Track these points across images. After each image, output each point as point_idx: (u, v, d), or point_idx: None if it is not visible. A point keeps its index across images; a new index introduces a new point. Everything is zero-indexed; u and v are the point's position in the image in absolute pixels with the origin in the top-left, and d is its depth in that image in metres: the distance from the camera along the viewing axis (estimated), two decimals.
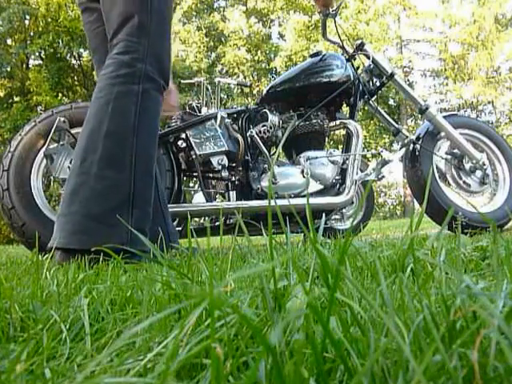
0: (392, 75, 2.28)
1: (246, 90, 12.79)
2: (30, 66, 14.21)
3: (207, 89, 3.22)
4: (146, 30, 1.28)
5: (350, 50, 2.35)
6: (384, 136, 13.73)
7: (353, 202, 2.71)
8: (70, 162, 1.85)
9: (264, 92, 2.30)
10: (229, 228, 2.18)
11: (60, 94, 14.11)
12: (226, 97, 12.42)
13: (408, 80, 15.44)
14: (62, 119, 1.83)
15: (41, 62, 14.16)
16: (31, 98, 12.77)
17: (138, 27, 1.27)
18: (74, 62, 14.70)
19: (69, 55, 14.24)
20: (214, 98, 3.30)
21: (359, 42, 2.33)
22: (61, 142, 1.85)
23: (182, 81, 4.21)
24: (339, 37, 2.32)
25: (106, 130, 1.22)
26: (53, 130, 1.82)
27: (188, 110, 2.23)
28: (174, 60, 12.87)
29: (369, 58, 2.31)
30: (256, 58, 14.08)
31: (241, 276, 0.57)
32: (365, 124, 13.26)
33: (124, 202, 1.22)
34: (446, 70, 16.12)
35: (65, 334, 0.39)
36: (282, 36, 15.12)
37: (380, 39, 13.79)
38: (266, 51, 14.35)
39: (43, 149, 1.89)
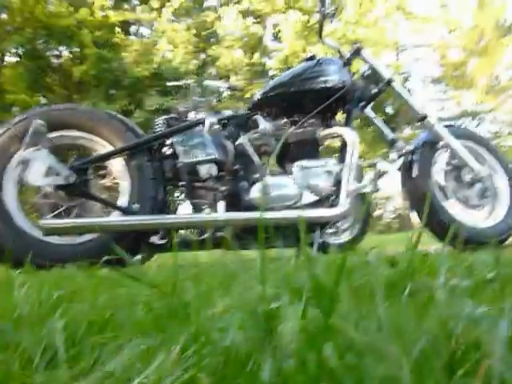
0: (390, 81, 2.31)
1: (238, 92, 12.85)
2: (6, 63, 14.08)
3: (195, 92, 3.22)
4: None
5: (347, 55, 2.37)
6: (382, 144, 13.86)
7: (349, 215, 2.72)
8: (48, 168, 1.83)
9: (256, 97, 2.31)
10: (217, 241, 2.17)
11: (37, 94, 13.98)
12: (215, 100, 12.45)
13: (406, 87, 15.68)
14: (41, 122, 1.81)
15: (18, 59, 14.04)
16: (5, 96, 12.62)
17: None
18: (54, 60, 14.61)
19: (48, 53, 14.15)
20: (203, 102, 3.30)
21: (356, 46, 2.36)
22: (37, 147, 1.83)
23: (169, 83, 4.21)
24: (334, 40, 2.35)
25: None
26: (30, 134, 1.80)
27: (174, 115, 2.23)
28: (159, 61, 12.89)
29: (366, 63, 2.34)
30: (253, 60, 14.16)
31: (231, 296, 0.57)
32: (362, 131, 13.38)
33: None
34: (445, 76, 16.41)
35: (37, 361, 0.39)
36: (276, 37, 15.25)
37: (378, 43, 14.00)
38: (260, 53, 14.45)
39: (18, 153, 1.87)
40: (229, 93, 12.68)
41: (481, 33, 15.28)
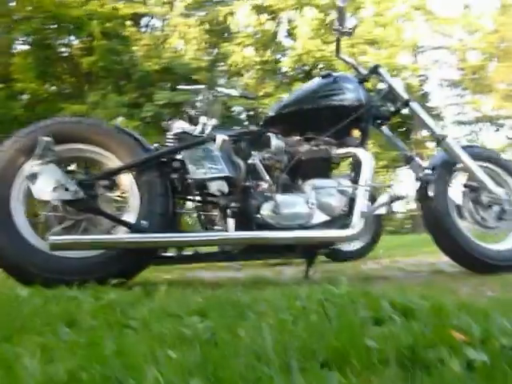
0: (408, 102, 2.29)
1: (250, 89, 12.84)
2: (15, 51, 14.19)
3: (207, 96, 3.21)
4: None
5: (364, 72, 2.36)
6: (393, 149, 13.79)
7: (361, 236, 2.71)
8: (55, 183, 1.83)
9: (269, 114, 2.30)
10: (226, 256, 2.18)
11: (47, 83, 14.07)
12: (226, 98, 12.45)
13: (423, 89, 15.54)
14: (48, 139, 1.82)
15: (27, 48, 14.14)
16: (15, 85, 12.74)
17: None
18: (63, 49, 14.69)
19: (58, 43, 14.23)
20: (214, 105, 3.29)
21: (374, 64, 2.35)
22: (45, 160, 1.84)
23: (180, 86, 4.23)
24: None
25: None
26: (37, 149, 1.81)
27: (185, 131, 2.23)
28: (171, 55, 12.90)
29: (383, 82, 2.32)
30: (264, 58, 14.12)
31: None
32: (374, 133, 13.33)
33: None
34: (464, 80, 16.24)
35: None
36: (290, 35, 15.17)
37: (396, 45, 13.89)
38: (273, 51, 14.41)
39: (25, 166, 1.88)
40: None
41: (501, 37, 15.09)
